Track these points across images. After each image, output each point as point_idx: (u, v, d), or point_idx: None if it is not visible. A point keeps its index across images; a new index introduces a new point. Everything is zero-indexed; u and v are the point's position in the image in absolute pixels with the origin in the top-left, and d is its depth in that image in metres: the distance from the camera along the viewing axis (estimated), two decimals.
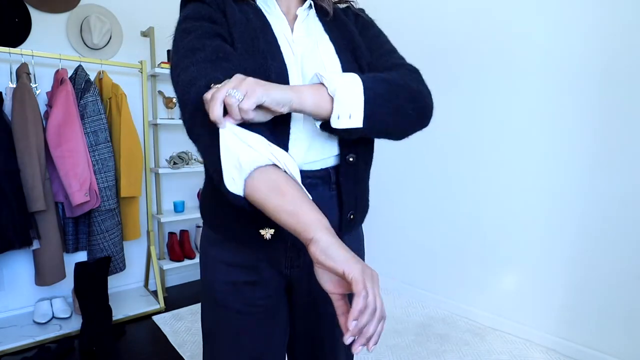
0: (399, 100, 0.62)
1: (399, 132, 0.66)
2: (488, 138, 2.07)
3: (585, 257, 1.75)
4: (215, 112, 0.48)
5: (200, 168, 2.53)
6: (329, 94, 0.57)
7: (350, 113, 0.57)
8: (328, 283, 0.50)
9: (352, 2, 0.80)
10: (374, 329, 0.45)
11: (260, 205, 0.52)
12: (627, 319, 1.64)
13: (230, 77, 0.54)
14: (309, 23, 0.72)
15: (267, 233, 0.64)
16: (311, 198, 0.53)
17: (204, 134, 0.55)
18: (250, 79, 0.51)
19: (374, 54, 0.72)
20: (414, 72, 0.68)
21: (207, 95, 0.50)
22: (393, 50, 0.74)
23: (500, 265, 2.06)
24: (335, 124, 0.58)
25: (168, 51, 2.45)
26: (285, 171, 0.52)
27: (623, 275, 1.64)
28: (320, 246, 0.47)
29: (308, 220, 0.49)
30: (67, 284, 2.20)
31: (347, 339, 0.44)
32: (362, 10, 0.81)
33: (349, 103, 0.57)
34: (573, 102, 1.76)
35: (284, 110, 0.54)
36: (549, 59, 1.81)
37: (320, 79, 0.58)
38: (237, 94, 0.49)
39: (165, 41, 2.48)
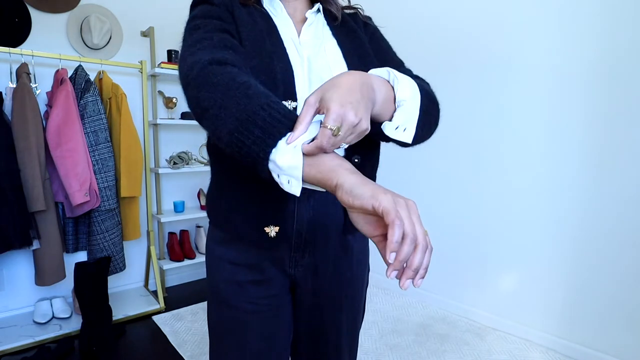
0: (433, 115, 0.64)
1: (418, 143, 0.64)
2: (488, 138, 2.07)
3: (585, 257, 1.75)
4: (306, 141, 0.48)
5: (200, 168, 2.53)
6: (394, 101, 0.57)
7: (406, 127, 0.58)
8: (365, 227, 0.46)
9: (359, 9, 0.81)
10: (419, 261, 0.42)
11: None
12: (628, 318, 1.64)
13: (236, 62, 0.55)
14: (317, 27, 0.73)
15: (272, 231, 0.65)
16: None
17: (214, 100, 0.51)
18: (361, 126, 0.49)
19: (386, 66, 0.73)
20: (427, 84, 0.70)
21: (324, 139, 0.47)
22: (403, 64, 0.76)
23: (500, 265, 2.06)
24: (391, 132, 0.57)
25: (168, 51, 2.45)
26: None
27: (623, 274, 1.65)
28: (345, 189, 0.45)
29: (328, 167, 0.47)
30: (67, 284, 2.20)
31: (390, 274, 0.42)
32: (370, 19, 0.81)
33: (408, 117, 0.58)
34: (574, 102, 1.76)
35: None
36: (551, 58, 1.82)
37: (392, 81, 0.57)
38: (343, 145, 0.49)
39: (165, 41, 2.49)
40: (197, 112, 0.54)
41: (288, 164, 0.47)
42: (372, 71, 0.58)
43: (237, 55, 0.59)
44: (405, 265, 0.42)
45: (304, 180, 0.48)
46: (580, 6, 1.71)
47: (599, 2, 1.66)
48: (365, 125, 0.49)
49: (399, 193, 0.47)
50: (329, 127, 0.46)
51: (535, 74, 1.87)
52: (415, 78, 0.70)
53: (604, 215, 1.69)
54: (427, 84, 0.70)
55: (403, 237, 0.41)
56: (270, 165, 0.48)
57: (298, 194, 0.48)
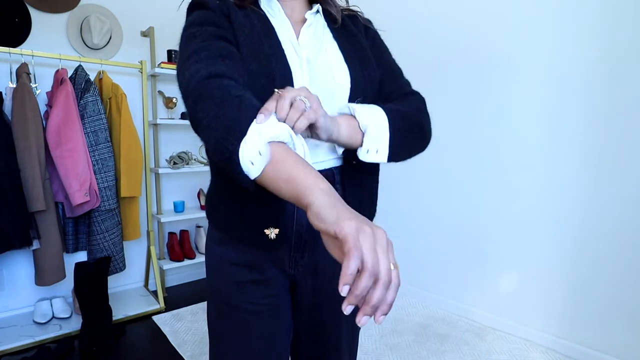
0: (413, 136, 0.69)
1: (404, 159, 0.71)
2: (488, 138, 2.07)
3: (585, 257, 1.75)
4: (284, 109, 0.52)
5: (200, 168, 2.53)
6: (360, 128, 0.62)
7: (377, 148, 0.63)
8: (335, 251, 0.44)
9: (360, 13, 0.81)
10: (378, 298, 0.38)
11: (258, 179, 0.50)
12: (628, 318, 1.64)
13: (233, 74, 0.56)
14: (317, 28, 0.73)
15: (272, 233, 0.65)
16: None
17: (208, 112, 0.52)
18: (315, 96, 0.55)
19: (386, 77, 0.75)
20: (422, 103, 0.74)
21: (277, 96, 0.52)
22: (402, 74, 0.79)
23: (500, 265, 2.06)
24: (364, 157, 0.63)
25: (168, 51, 2.45)
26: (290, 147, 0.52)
27: (623, 274, 1.65)
28: (313, 210, 0.43)
29: (303, 185, 0.45)
30: (67, 284, 2.20)
31: (345, 308, 0.39)
32: (370, 22, 0.81)
33: (378, 139, 0.63)
34: (574, 102, 1.76)
35: (323, 137, 0.58)
36: (551, 58, 1.82)
37: (352, 111, 0.63)
38: (307, 102, 0.52)
39: (165, 41, 2.49)
40: (193, 123, 0.55)
41: (251, 145, 0.48)
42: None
43: (234, 63, 0.59)
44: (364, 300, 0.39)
45: (280, 196, 0.49)
46: (580, 6, 1.71)
47: (598, 2, 1.66)
48: (310, 104, 0.52)
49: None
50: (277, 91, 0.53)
51: (535, 74, 1.87)
52: (410, 94, 0.75)
53: (604, 215, 1.69)
54: (419, 101, 0.74)
55: (362, 270, 0.38)
56: (242, 160, 0.48)
57: (260, 170, 0.48)
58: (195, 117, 0.54)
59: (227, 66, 0.58)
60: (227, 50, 0.60)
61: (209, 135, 0.52)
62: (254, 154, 0.48)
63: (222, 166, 0.51)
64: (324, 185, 0.46)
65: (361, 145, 0.62)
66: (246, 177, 0.49)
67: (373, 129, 0.62)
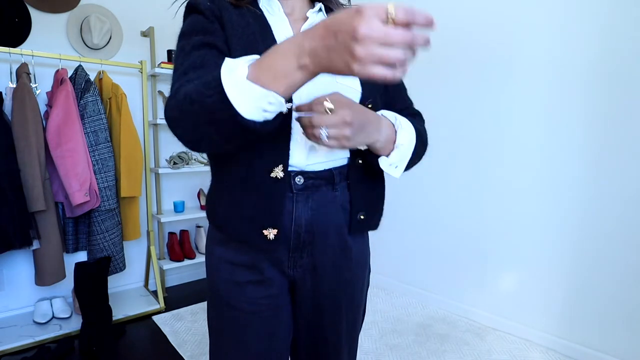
0: (420, 155, 0.75)
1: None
2: (488, 137, 2.07)
3: (585, 257, 1.75)
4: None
5: (200, 168, 2.53)
6: (394, 142, 0.66)
7: (398, 165, 0.68)
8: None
9: None
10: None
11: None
12: (628, 318, 1.64)
13: (192, 79, 0.57)
14: None
15: (270, 233, 0.65)
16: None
17: (186, 123, 0.55)
18: (345, 131, 0.57)
19: (395, 91, 0.79)
20: (424, 122, 0.81)
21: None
22: (405, 89, 0.83)
23: (500, 265, 2.06)
24: (384, 166, 0.67)
25: (168, 51, 2.45)
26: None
27: (623, 274, 1.65)
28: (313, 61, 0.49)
29: (282, 73, 0.49)
30: (67, 284, 2.20)
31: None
32: None
33: (403, 158, 0.68)
34: (574, 102, 1.76)
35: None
36: (552, 58, 1.82)
37: (397, 126, 0.67)
38: (325, 132, 0.57)
39: (165, 41, 2.49)
40: (187, 143, 0.58)
41: (235, 73, 0.49)
42: (383, 112, 0.68)
43: (203, 70, 0.59)
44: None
45: (284, 95, 0.50)
46: (581, 6, 1.71)
47: (599, 2, 1.66)
48: (349, 143, 0.58)
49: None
50: (324, 100, 0.55)
51: (535, 74, 1.87)
52: (416, 115, 0.79)
53: (604, 215, 1.69)
54: (423, 120, 0.81)
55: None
56: (234, 100, 0.48)
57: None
58: (184, 138, 0.57)
59: (195, 73, 0.58)
60: (201, 60, 0.61)
61: (202, 140, 0.55)
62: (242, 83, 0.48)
63: (226, 141, 0.53)
64: (295, 38, 0.49)
65: (387, 156, 0.66)
66: (253, 123, 0.50)
67: (404, 148, 0.66)
